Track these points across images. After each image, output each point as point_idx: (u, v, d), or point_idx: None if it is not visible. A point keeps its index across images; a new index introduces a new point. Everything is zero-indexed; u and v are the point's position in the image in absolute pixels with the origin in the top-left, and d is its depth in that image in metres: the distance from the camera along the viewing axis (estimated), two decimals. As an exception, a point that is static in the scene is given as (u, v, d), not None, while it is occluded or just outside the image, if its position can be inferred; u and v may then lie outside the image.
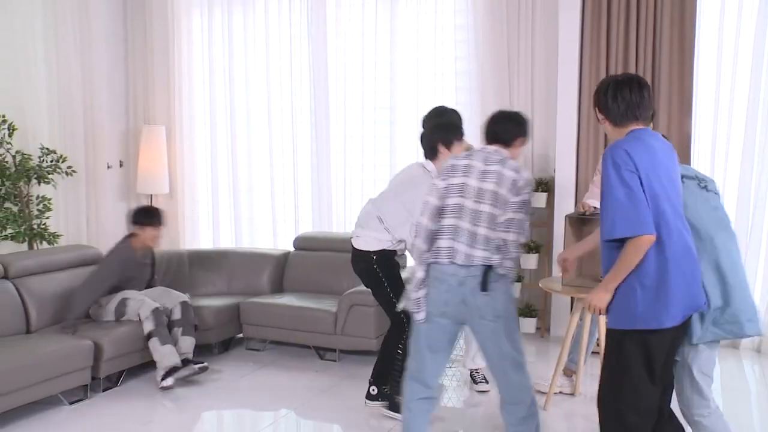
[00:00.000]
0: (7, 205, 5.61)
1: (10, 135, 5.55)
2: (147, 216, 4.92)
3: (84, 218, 6.40)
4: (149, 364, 4.65)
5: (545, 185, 5.67)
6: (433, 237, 3.12)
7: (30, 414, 4.14)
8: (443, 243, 3.07)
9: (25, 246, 5.65)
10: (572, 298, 4.48)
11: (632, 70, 5.32)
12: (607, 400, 2.71)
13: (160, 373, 4.53)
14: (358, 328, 4.93)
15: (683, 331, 2.68)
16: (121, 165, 6.89)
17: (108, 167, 6.70)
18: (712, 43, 5.28)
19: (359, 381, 4.55)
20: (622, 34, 5.37)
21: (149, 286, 5.05)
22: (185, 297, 4.90)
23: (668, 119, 5.28)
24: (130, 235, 4.89)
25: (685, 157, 5.17)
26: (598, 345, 4.24)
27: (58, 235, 5.79)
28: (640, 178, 2.49)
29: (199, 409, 4.41)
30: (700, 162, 5.34)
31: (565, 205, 5.46)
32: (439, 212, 3.12)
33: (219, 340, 5.32)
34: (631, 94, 2.65)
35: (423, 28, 6.06)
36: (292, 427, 4.24)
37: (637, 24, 5.32)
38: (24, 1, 5.87)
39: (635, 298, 2.56)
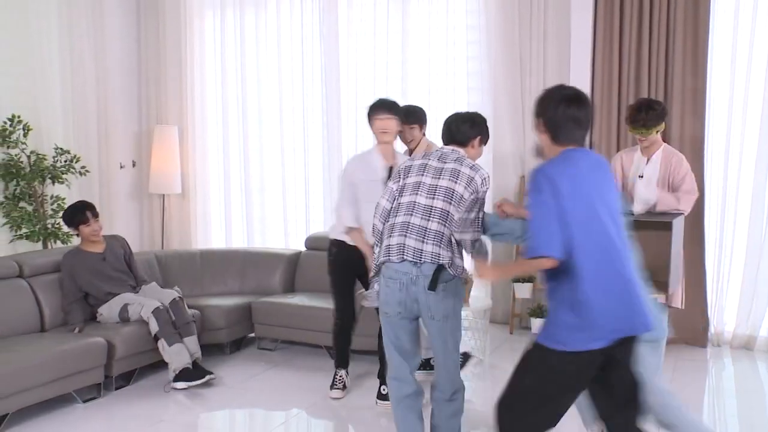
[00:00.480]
0: (21, 204, 5.65)
1: (25, 135, 5.59)
2: (74, 216, 4.84)
3: (97, 218, 6.43)
4: (160, 363, 4.67)
5: (557, 186, 5.65)
6: (385, 235, 3.18)
7: (44, 412, 4.17)
8: (394, 240, 3.10)
9: (39, 245, 5.69)
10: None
11: (645, 71, 5.30)
12: (513, 406, 2.58)
13: (171, 374, 4.55)
14: (368, 328, 4.90)
15: (625, 349, 2.54)
16: (134, 165, 6.92)
17: (121, 167, 6.74)
18: (726, 44, 5.25)
19: (370, 380, 4.56)
20: (635, 34, 5.34)
21: (139, 283, 4.99)
22: (175, 294, 4.81)
23: (681, 120, 5.24)
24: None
25: (697, 158, 5.13)
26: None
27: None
28: (561, 204, 2.43)
29: (211, 408, 4.43)
30: (713, 164, 5.31)
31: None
32: (393, 211, 3.18)
33: (230, 340, 5.33)
34: (579, 112, 2.56)
35: (435, 29, 6.05)
36: (303, 427, 4.26)
37: (650, 24, 5.29)
38: (38, 1, 5.91)
39: (558, 320, 2.49)
